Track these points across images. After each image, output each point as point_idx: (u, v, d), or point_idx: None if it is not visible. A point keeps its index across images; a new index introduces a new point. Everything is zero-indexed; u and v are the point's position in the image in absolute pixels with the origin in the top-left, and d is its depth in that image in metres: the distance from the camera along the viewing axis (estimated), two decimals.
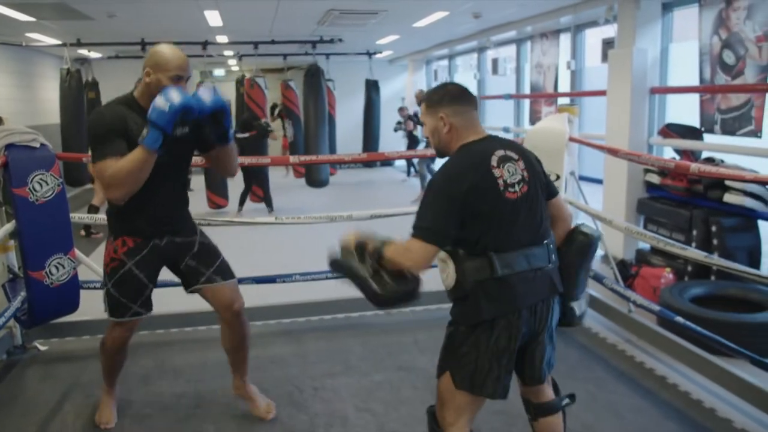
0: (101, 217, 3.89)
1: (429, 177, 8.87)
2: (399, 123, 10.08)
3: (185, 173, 2.65)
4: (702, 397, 2.86)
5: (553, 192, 2.02)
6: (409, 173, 11.39)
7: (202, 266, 2.60)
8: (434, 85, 9.77)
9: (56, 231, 3.14)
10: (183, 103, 2.19)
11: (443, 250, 1.86)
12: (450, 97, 1.94)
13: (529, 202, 1.87)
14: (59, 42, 7.81)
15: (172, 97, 2.19)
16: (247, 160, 4.11)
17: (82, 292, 3.35)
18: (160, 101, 2.19)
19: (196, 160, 2.87)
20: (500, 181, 1.83)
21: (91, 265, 3.68)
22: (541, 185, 1.93)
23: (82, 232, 6.89)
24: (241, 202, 7.79)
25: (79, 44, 7.91)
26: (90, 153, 2.36)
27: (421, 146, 9.42)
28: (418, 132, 9.80)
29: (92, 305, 3.67)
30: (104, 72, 10.11)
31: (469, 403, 1.90)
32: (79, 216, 3.66)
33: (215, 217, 4.06)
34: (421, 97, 9.04)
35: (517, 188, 1.85)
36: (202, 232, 2.71)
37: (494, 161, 1.85)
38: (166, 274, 2.65)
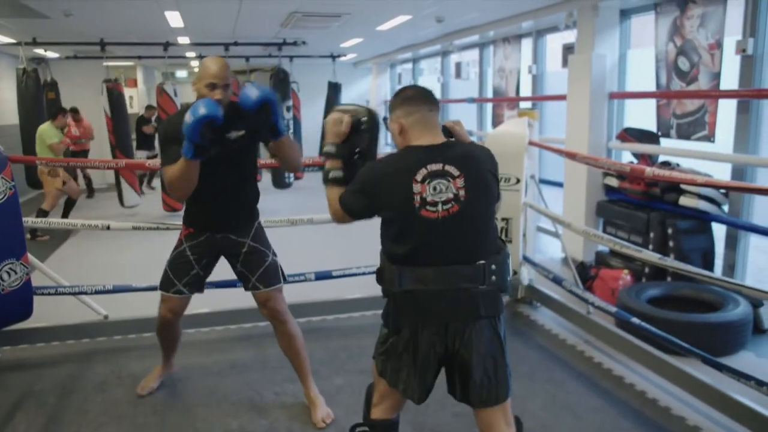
0: (54, 220, 3.82)
1: None
2: None
3: (247, 174, 2.77)
4: (657, 395, 2.92)
5: (495, 198, 1.97)
6: None
7: (247, 271, 2.78)
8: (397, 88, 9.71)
9: (8, 235, 3.05)
10: (205, 115, 2.31)
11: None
12: (402, 99, 1.92)
13: (459, 222, 1.81)
14: (14, 41, 7.59)
15: (195, 111, 2.32)
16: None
17: (36, 299, 3.26)
18: (187, 116, 2.33)
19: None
20: (417, 197, 1.79)
21: (46, 270, 3.59)
22: (486, 202, 1.88)
23: (28, 236, 6.70)
24: None
25: (35, 43, 7.70)
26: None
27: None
28: None
29: (47, 312, 3.58)
30: (63, 72, 9.89)
31: (389, 391, 1.96)
32: (32, 220, 3.55)
33: (172, 221, 4.00)
34: None
35: (439, 207, 1.79)
36: (256, 231, 2.82)
37: (420, 176, 1.80)
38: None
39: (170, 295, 2.76)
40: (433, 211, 1.79)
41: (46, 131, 6.81)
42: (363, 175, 1.91)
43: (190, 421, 2.78)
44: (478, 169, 1.86)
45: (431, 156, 1.83)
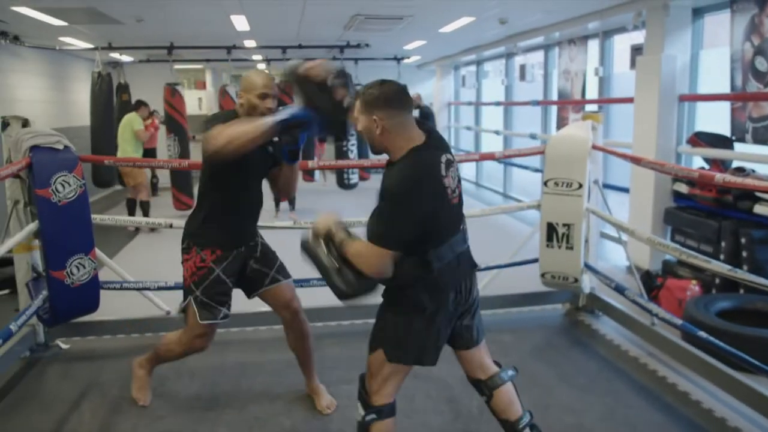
0: (120, 218, 3.95)
1: None
2: None
3: (260, 189, 2.78)
4: (726, 414, 2.77)
5: None
6: None
7: (265, 267, 2.79)
8: (474, 88, 9.46)
9: (78, 232, 3.19)
10: (306, 115, 2.33)
11: None
12: (384, 99, 1.93)
13: (460, 199, 2.05)
14: (91, 46, 7.95)
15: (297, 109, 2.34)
16: None
17: (103, 293, 3.40)
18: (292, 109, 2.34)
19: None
20: (448, 190, 1.96)
21: (112, 265, 3.72)
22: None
23: (132, 229, 7.19)
24: (277, 203, 7.79)
25: (111, 48, 8.05)
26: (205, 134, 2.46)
27: None
28: None
29: (113, 305, 3.73)
30: (135, 75, 10.29)
31: (397, 372, 2.07)
32: (101, 217, 3.69)
33: None
34: (418, 100, 8.86)
35: (456, 192, 2.01)
36: (259, 233, 2.87)
37: (443, 169, 1.94)
38: None
39: (217, 321, 2.66)
40: (455, 196, 2.00)
41: (134, 119, 7.32)
42: (398, 193, 1.88)
43: (244, 418, 2.83)
44: (447, 146, 2.06)
45: (437, 151, 1.97)
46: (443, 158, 1.95)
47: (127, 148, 7.28)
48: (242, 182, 2.60)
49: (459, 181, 2.04)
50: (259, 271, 2.78)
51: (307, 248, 2.05)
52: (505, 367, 2.26)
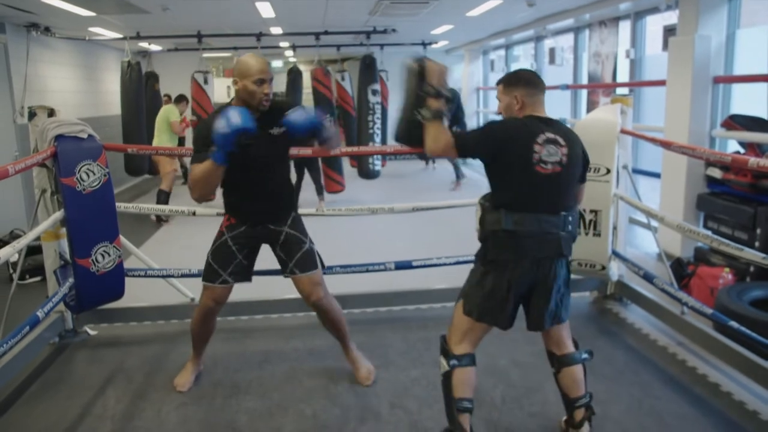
0: (144, 206, 3.98)
1: (460, 164, 8.65)
2: None
3: (284, 168, 2.89)
4: (758, 407, 2.68)
5: (582, 180, 2.42)
6: (427, 163, 11.62)
7: (286, 257, 2.87)
8: (503, 72, 9.49)
9: (102, 220, 3.21)
10: (240, 127, 2.42)
11: (478, 201, 2.34)
12: (525, 81, 2.32)
13: (558, 181, 2.25)
14: (120, 36, 8.03)
15: (229, 121, 2.42)
16: (295, 151, 4.10)
17: (128, 280, 3.43)
18: (220, 124, 2.44)
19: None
20: (536, 155, 2.20)
21: (137, 253, 3.76)
22: (577, 172, 2.33)
23: (153, 218, 7.26)
24: (297, 192, 7.76)
25: (139, 37, 8.11)
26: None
27: None
28: None
29: (139, 293, 3.78)
30: (164, 64, 10.40)
31: (472, 329, 2.33)
32: (125, 205, 3.72)
33: None
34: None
35: (549, 166, 2.22)
36: (293, 220, 2.91)
37: (540, 139, 2.22)
38: None
39: (215, 285, 2.81)
40: (545, 168, 2.22)
41: (172, 111, 7.52)
42: (493, 125, 2.31)
43: (266, 406, 2.83)
44: (576, 146, 2.31)
45: (548, 127, 2.26)
46: (548, 134, 2.23)
47: (162, 138, 7.42)
48: (250, 169, 2.67)
49: (564, 164, 2.24)
50: (281, 257, 2.88)
51: (410, 72, 2.43)
52: (581, 350, 2.46)
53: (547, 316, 2.33)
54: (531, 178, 2.22)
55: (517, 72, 2.39)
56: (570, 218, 2.30)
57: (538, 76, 2.38)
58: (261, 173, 2.72)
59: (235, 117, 2.42)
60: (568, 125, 2.62)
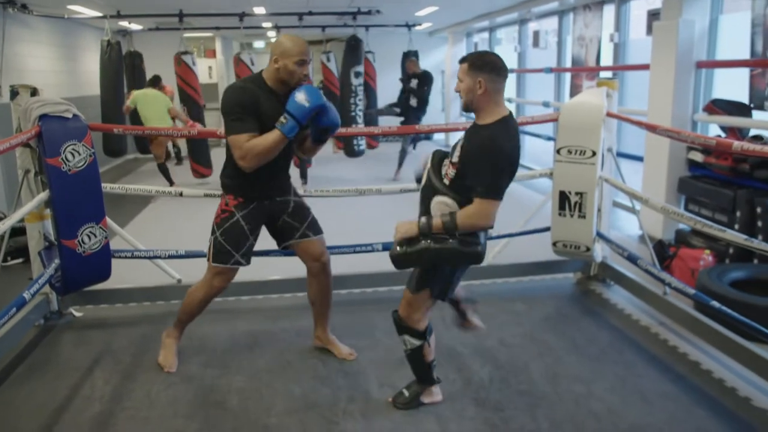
0: (131, 186, 3.95)
1: (408, 152, 8.51)
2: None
3: (290, 153, 2.90)
4: (737, 385, 2.76)
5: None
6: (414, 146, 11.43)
7: (297, 222, 2.93)
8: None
9: (88, 200, 3.19)
10: (320, 104, 2.57)
11: (452, 198, 2.32)
12: (491, 66, 2.27)
13: None
14: (100, 14, 7.88)
15: (311, 97, 2.55)
16: None
17: (116, 261, 3.42)
18: (301, 97, 2.54)
19: None
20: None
21: (124, 234, 3.74)
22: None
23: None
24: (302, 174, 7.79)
25: (119, 16, 7.96)
26: (224, 121, 2.67)
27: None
28: None
29: (124, 274, 3.75)
30: (145, 43, 10.22)
31: (431, 306, 2.52)
32: (111, 186, 3.68)
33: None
34: (414, 67, 8.49)
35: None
36: (295, 191, 3.02)
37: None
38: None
39: (229, 266, 2.83)
40: None
41: (165, 98, 7.72)
42: (503, 152, 2.24)
43: (255, 386, 2.85)
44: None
45: (516, 123, 2.34)
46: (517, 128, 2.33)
47: (164, 125, 7.48)
48: None
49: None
50: (290, 224, 2.93)
51: (407, 255, 2.36)
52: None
53: None
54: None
55: (483, 54, 2.33)
56: None
57: (504, 63, 2.31)
58: (282, 153, 2.72)
59: (315, 96, 2.55)
60: (552, 109, 2.68)
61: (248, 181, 2.75)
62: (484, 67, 2.26)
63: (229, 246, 2.80)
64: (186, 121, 7.60)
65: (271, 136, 2.57)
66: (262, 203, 2.84)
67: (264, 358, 3.12)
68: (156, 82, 8.02)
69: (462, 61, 2.33)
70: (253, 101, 2.61)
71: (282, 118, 2.56)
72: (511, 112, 2.34)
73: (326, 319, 3.12)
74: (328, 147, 8.68)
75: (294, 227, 2.93)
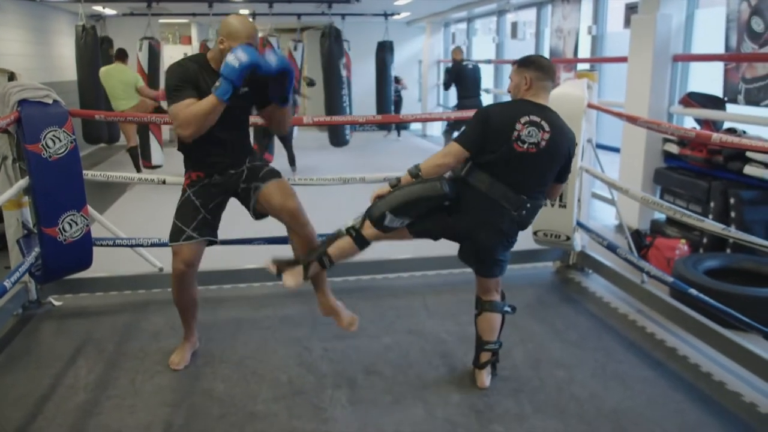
0: (112, 173, 3.90)
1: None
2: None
3: (245, 126, 2.92)
4: (712, 370, 2.85)
5: (561, 179, 2.66)
6: (389, 130, 12.43)
7: (250, 181, 2.81)
8: (451, 47, 9.59)
9: (69, 188, 3.15)
10: (252, 61, 2.46)
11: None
12: (539, 66, 2.54)
13: (528, 161, 2.46)
14: None
15: (242, 56, 2.45)
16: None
17: (96, 250, 3.38)
18: (231, 58, 2.45)
19: (256, 120, 3.25)
20: (515, 133, 2.43)
21: (105, 222, 3.70)
22: (553, 162, 2.52)
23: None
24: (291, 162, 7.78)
25: (94, 0, 7.82)
26: (167, 98, 2.63)
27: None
28: None
29: (105, 262, 3.71)
30: (119, 29, 10.05)
31: (404, 234, 2.66)
32: (92, 173, 3.63)
33: None
34: (460, 54, 8.64)
35: (525, 146, 2.44)
36: (251, 157, 2.88)
37: (523, 120, 2.44)
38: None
39: (181, 243, 2.72)
40: (521, 146, 2.44)
41: (133, 73, 7.24)
42: (482, 110, 2.58)
43: (241, 373, 2.85)
44: (561, 138, 2.50)
45: (533, 111, 2.48)
46: (532, 117, 2.45)
47: (132, 103, 7.15)
48: (221, 122, 2.58)
49: (541, 148, 2.44)
50: (246, 188, 2.81)
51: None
52: (506, 302, 2.76)
53: (487, 265, 2.66)
54: (505, 150, 2.44)
55: (531, 56, 2.62)
56: (528, 205, 2.52)
57: (551, 65, 2.58)
58: (223, 131, 2.65)
59: (246, 54, 2.45)
60: None
61: (199, 156, 2.73)
62: (531, 65, 2.54)
63: (180, 223, 2.73)
64: (156, 97, 7.23)
65: (206, 101, 2.49)
66: (213, 178, 2.76)
67: (248, 346, 3.12)
68: (121, 56, 7.46)
69: (513, 63, 2.64)
70: (192, 77, 2.56)
71: (216, 83, 2.48)
72: (536, 103, 2.52)
73: (323, 281, 2.93)
74: (315, 136, 8.67)
75: (249, 187, 2.80)
